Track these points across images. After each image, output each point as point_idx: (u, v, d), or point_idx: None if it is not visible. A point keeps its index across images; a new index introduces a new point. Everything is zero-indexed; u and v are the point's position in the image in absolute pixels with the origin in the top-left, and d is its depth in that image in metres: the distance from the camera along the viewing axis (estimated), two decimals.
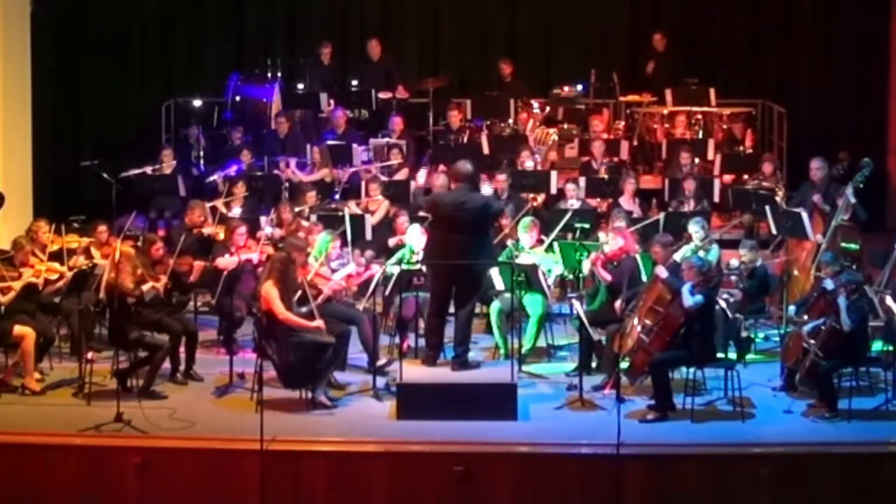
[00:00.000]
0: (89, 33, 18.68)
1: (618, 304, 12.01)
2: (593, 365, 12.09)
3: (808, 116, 18.15)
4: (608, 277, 12.40)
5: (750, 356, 12.57)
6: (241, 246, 13.12)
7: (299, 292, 11.67)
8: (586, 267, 12.68)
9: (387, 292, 12.71)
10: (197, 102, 18.32)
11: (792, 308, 12.31)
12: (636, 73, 18.71)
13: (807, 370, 11.22)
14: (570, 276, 13.00)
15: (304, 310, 11.54)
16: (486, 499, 10.41)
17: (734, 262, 12.98)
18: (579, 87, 18.41)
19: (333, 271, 12.52)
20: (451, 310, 12.06)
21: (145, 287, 11.80)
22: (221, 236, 13.51)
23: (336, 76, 18.41)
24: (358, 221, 14.33)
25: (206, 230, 13.59)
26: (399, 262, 12.60)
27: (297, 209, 14.75)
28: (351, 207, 14.98)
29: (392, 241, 14.06)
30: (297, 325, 11.32)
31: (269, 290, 11.36)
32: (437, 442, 10.67)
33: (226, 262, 12.77)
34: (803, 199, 13.97)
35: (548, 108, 18.09)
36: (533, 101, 18.08)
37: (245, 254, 12.93)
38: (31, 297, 12.11)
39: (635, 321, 11.43)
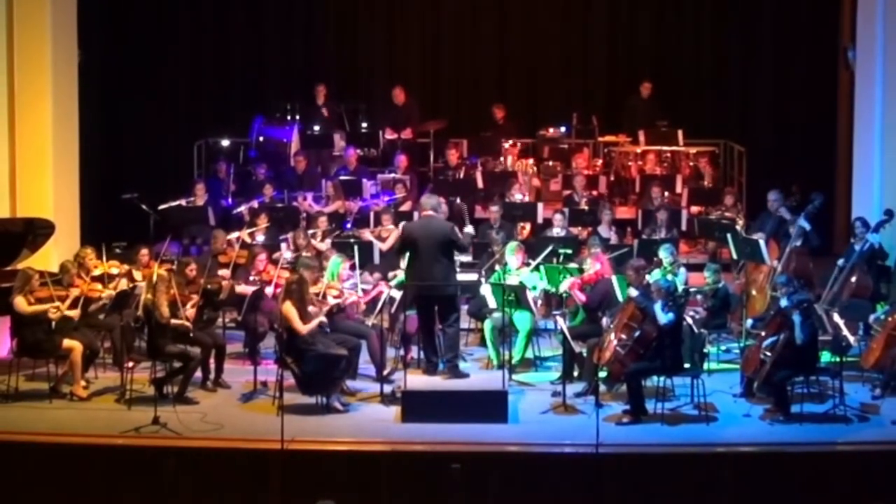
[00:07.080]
0: (130, 81, 18.76)
1: (604, 320, 12.05)
2: (575, 374, 12.14)
3: (765, 155, 18.17)
4: (582, 298, 12.50)
5: (714, 366, 12.64)
6: (261, 270, 13.21)
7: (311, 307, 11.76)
8: (562, 287, 12.77)
9: (392, 310, 12.81)
10: (225, 142, 18.34)
11: (749, 322, 12.40)
12: (623, 110, 18.76)
13: (764, 379, 11.28)
14: (554, 292, 13.07)
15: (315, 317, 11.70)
16: (481, 493, 10.44)
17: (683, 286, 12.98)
18: (563, 129, 18.46)
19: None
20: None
21: (176, 321, 11.85)
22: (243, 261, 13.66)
23: (333, 115, 18.43)
24: (367, 247, 14.42)
25: (222, 275, 13.56)
26: (401, 284, 12.65)
27: (310, 232, 14.86)
28: (365, 235, 15.08)
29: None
30: (315, 329, 11.50)
31: (289, 310, 11.46)
32: (437, 442, 10.73)
33: (243, 288, 12.87)
34: (761, 227, 14.07)
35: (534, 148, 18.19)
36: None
37: (264, 278, 13.03)
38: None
39: (612, 336, 11.52)
